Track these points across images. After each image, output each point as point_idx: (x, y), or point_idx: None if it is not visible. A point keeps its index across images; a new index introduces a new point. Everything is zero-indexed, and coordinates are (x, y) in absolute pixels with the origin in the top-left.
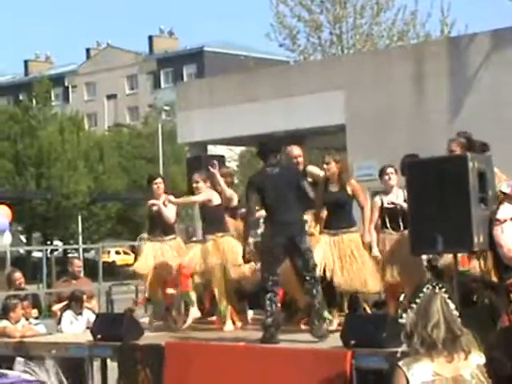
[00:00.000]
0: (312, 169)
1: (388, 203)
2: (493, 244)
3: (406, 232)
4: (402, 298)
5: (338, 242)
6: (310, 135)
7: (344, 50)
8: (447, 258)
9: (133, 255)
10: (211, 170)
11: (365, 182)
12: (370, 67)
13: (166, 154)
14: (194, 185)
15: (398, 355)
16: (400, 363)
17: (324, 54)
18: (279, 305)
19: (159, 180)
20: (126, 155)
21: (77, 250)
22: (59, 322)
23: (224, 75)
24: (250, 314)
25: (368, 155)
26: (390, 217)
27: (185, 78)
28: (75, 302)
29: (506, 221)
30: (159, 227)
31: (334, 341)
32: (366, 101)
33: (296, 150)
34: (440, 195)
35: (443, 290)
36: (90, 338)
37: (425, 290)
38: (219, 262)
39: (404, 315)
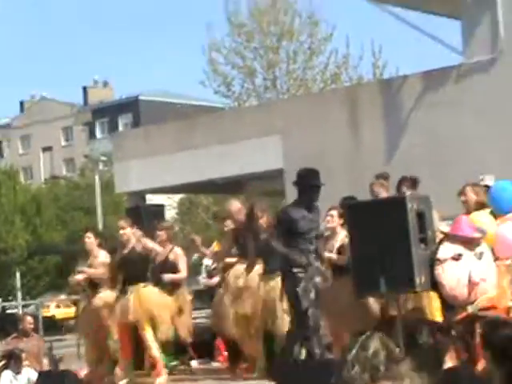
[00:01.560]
0: None
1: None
2: (435, 284)
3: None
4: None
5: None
6: (248, 181)
7: (279, 94)
8: None
9: (74, 308)
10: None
11: None
12: (306, 111)
13: (104, 205)
14: (121, 231)
15: None
16: None
17: (259, 99)
18: (225, 353)
19: (89, 234)
20: (63, 207)
21: (16, 306)
22: None
23: (160, 124)
24: (195, 363)
25: None
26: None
27: (120, 128)
28: (14, 360)
29: (446, 260)
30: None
31: None
32: (303, 144)
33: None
34: (381, 237)
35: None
36: None
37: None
38: (143, 317)
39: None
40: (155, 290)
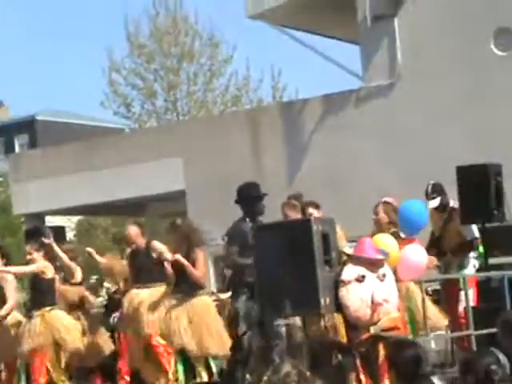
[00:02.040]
0: (156, 244)
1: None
2: (339, 306)
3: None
4: None
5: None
6: (149, 202)
7: (179, 116)
8: None
9: None
10: (46, 241)
11: (208, 248)
12: (207, 133)
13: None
14: (28, 256)
15: None
16: None
17: (159, 120)
18: (127, 377)
19: None
20: None
21: None
22: None
23: (58, 145)
24: None
25: (209, 220)
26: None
27: (16, 149)
28: None
29: (350, 282)
30: None
31: None
32: (205, 166)
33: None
34: (286, 258)
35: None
36: None
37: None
38: (49, 342)
39: None
40: (61, 314)
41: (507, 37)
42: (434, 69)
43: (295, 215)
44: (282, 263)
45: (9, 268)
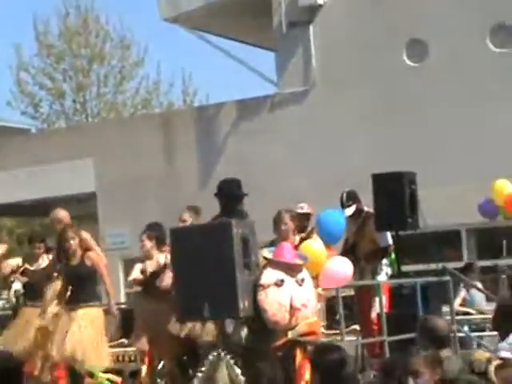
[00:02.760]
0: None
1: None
2: (257, 309)
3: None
4: (160, 366)
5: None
6: (59, 203)
7: (88, 117)
8: None
9: None
10: None
11: (116, 251)
12: (118, 135)
13: None
14: None
15: None
16: None
17: (68, 121)
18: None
19: None
20: None
21: None
22: None
23: None
24: None
25: (120, 223)
26: (148, 282)
27: None
28: None
29: (269, 286)
30: None
31: None
32: (116, 168)
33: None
34: (205, 262)
35: (228, 356)
36: None
37: (210, 357)
38: None
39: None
40: None
41: (419, 48)
42: (347, 77)
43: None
44: (200, 266)
45: None
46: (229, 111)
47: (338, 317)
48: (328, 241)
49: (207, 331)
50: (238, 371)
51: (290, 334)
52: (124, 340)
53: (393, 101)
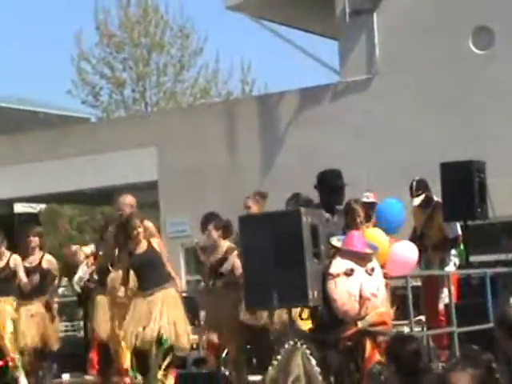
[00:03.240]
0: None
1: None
2: (326, 299)
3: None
4: (224, 355)
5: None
6: (120, 192)
7: (148, 107)
8: None
9: None
10: None
11: (177, 239)
12: (181, 124)
13: None
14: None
15: None
16: None
17: (127, 110)
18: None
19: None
20: None
21: None
22: None
23: (30, 132)
24: (66, 376)
25: (181, 212)
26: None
27: None
28: None
29: (338, 275)
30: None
31: None
32: (179, 157)
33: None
34: (274, 250)
35: (304, 346)
36: None
37: (286, 346)
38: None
39: None
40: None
41: (485, 35)
42: (411, 65)
43: (257, 211)
44: (269, 255)
45: None
46: (291, 100)
47: (395, 307)
48: (387, 231)
49: (275, 320)
50: (314, 362)
51: (360, 324)
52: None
53: (459, 89)
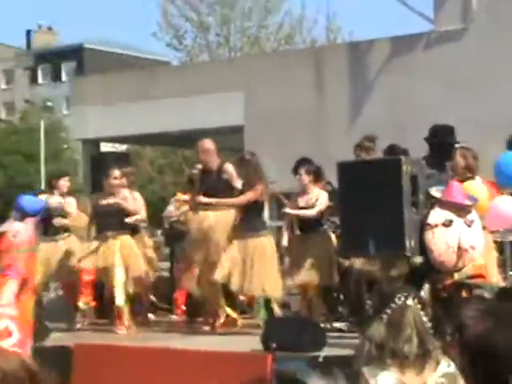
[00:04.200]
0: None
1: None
2: (423, 249)
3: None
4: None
5: (244, 245)
6: (205, 135)
7: (231, 51)
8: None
9: None
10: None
11: None
12: (270, 69)
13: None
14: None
15: (320, 359)
16: (364, 369)
17: (211, 54)
18: (183, 307)
19: (68, 177)
20: (2, 151)
21: None
22: None
23: (116, 73)
24: (152, 316)
25: (266, 157)
26: (301, 217)
27: (63, 75)
28: None
29: (437, 226)
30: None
31: (255, 344)
32: (266, 102)
33: (207, 143)
34: (372, 197)
35: (416, 300)
36: None
37: (396, 300)
38: (120, 263)
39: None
40: (131, 240)
41: None
42: (511, 14)
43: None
44: (367, 202)
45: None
46: (381, 48)
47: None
48: (507, 183)
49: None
50: (425, 318)
51: (457, 276)
52: None
53: None
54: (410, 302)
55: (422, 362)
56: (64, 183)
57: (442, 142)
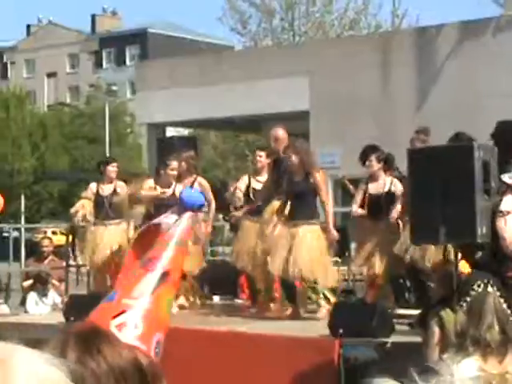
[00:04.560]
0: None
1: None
2: (494, 236)
3: (385, 220)
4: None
5: (295, 234)
6: (269, 121)
7: (295, 36)
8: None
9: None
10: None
11: (327, 170)
12: (336, 54)
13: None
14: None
15: (388, 345)
16: (445, 356)
17: (275, 39)
18: (247, 290)
19: (115, 164)
20: (67, 134)
21: (18, 229)
22: (22, 303)
23: (181, 58)
24: (217, 300)
25: (331, 143)
26: (370, 204)
27: (127, 59)
28: (40, 283)
29: (509, 213)
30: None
31: (322, 329)
32: (332, 88)
33: (279, 132)
34: (443, 185)
35: (495, 287)
36: (60, 319)
37: (475, 287)
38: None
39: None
40: None
41: None
42: None
43: None
44: (438, 189)
45: None
46: (450, 33)
47: None
48: None
49: (428, 257)
50: (505, 305)
51: None
52: (337, 259)
53: None
54: (490, 288)
55: (504, 349)
56: (112, 169)
57: (507, 140)
